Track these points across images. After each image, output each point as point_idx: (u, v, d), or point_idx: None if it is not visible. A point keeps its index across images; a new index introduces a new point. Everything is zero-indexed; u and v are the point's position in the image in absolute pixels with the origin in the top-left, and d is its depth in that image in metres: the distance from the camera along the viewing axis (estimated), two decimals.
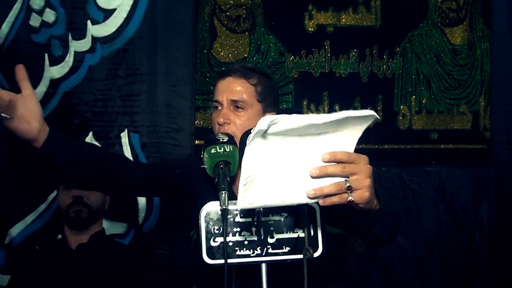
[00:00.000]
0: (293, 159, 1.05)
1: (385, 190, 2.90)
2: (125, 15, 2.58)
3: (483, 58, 3.04)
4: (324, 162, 1.04)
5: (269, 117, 0.97)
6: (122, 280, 2.17)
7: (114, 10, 2.58)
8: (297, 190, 1.07)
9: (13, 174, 2.51)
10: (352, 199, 1.05)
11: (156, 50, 2.63)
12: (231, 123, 1.56)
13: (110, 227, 2.56)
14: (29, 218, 2.48)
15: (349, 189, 1.04)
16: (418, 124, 2.99)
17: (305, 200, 1.08)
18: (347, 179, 1.05)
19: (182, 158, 1.82)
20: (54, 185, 2.40)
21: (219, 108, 1.60)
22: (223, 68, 1.73)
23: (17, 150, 2.50)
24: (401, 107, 2.97)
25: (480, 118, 3.04)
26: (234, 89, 1.59)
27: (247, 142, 1.01)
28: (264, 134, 1.00)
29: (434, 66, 3.00)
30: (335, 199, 1.06)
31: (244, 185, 1.04)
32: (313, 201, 1.08)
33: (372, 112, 1.00)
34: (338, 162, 1.05)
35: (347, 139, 1.05)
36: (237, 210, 1.26)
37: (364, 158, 1.07)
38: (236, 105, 1.57)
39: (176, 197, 1.79)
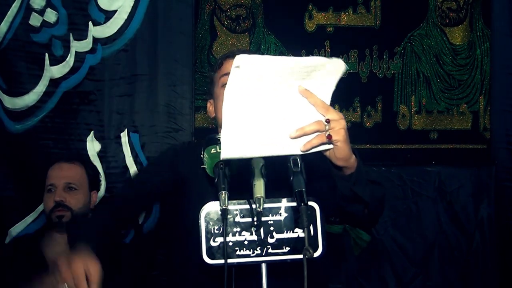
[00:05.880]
0: (271, 109, 1.13)
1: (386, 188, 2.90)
2: (125, 16, 2.58)
3: (483, 58, 3.04)
4: (291, 138, 1.15)
5: (243, 55, 1.04)
6: (116, 275, 2.13)
7: (115, 11, 2.58)
8: (277, 142, 1.15)
9: (13, 174, 2.51)
10: (330, 134, 1.17)
11: (156, 50, 2.63)
12: None
13: None
14: (29, 218, 2.48)
15: (328, 122, 1.16)
16: (418, 124, 2.99)
17: (285, 151, 1.17)
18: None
19: (170, 155, 1.72)
20: None
21: None
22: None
23: (17, 150, 2.51)
24: (401, 107, 2.97)
25: (480, 118, 3.04)
26: None
27: (228, 82, 1.07)
28: (242, 78, 1.06)
29: (434, 66, 3.00)
30: (314, 141, 1.16)
31: (225, 133, 1.10)
32: (293, 151, 1.17)
33: (340, 60, 1.12)
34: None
35: (320, 90, 1.16)
36: (237, 210, 1.26)
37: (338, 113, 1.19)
38: None
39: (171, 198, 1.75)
